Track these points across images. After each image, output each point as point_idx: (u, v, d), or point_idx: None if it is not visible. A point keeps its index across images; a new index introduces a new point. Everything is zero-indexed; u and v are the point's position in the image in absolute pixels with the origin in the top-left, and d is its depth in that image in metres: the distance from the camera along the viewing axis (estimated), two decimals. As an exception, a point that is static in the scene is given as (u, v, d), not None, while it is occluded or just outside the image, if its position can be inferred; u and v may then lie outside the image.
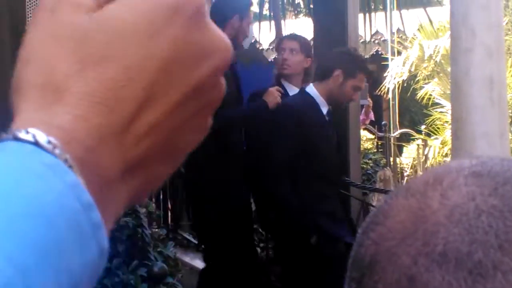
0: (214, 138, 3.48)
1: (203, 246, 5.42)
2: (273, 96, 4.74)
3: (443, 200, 0.67)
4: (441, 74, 12.79)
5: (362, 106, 8.97)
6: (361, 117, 9.48)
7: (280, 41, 5.82)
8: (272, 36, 10.74)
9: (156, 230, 4.08)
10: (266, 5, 14.20)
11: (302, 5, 16.32)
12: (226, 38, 0.52)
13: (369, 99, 9.94)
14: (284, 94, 5.00)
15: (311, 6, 7.96)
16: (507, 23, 14.15)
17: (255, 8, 18.01)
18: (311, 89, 4.80)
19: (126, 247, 3.57)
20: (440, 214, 0.66)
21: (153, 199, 6.56)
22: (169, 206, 6.52)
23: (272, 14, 9.00)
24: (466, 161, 0.73)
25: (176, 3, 0.49)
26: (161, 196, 6.48)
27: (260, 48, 16.18)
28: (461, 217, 0.65)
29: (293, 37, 5.63)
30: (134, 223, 3.61)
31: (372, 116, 10.00)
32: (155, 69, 0.48)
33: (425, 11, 8.36)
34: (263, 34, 12.68)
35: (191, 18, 0.49)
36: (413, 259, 0.65)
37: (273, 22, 9.16)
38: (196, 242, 6.22)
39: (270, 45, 15.98)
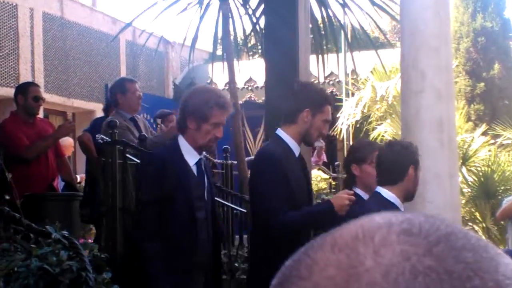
0: None
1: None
2: (341, 200, 4.52)
3: (376, 257, 0.63)
4: (393, 115, 12.92)
5: (315, 148, 9.00)
6: (313, 159, 9.51)
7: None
8: (227, 77, 10.78)
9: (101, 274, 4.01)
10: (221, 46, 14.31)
11: (258, 46, 16.43)
12: None
13: (321, 140, 9.97)
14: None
15: (263, 46, 8.00)
16: (457, 66, 14.38)
17: (209, 48, 18.10)
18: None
19: (69, 292, 3.51)
20: (374, 273, 0.62)
21: (102, 242, 6.47)
22: (118, 247, 6.43)
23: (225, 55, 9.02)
24: (392, 216, 0.69)
25: None
26: (111, 239, 6.39)
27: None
28: (397, 277, 0.61)
29: None
30: (78, 266, 3.54)
31: (324, 157, 10.04)
32: None
33: (377, 53, 8.45)
34: (217, 75, 12.71)
35: None
36: None
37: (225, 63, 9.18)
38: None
39: (225, 85, 16.06)
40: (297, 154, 4.74)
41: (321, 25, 8.76)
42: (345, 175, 5.90)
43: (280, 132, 4.78)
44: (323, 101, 4.84)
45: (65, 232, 3.88)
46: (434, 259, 0.62)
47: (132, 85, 7.18)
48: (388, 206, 4.49)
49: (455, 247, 0.64)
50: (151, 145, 6.60)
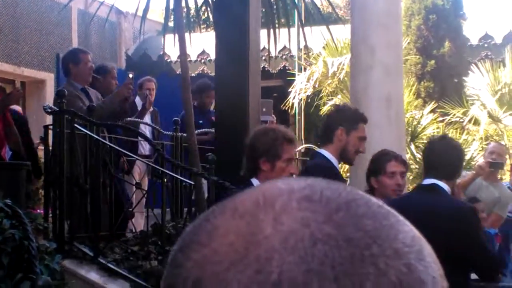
0: None
1: (99, 259, 5.33)
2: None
3: (276, 224, 0.63)
4: (344, 91, 12.98)
5: (266, 122, 9.01)
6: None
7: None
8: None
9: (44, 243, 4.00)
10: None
11: (211, 19, 16.33)
12: None
13: (273, 115, 9.97)
14: None
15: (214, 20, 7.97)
16: (408, 43, 14.48)
17: (162, 20, 17.94)
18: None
19: (11, 260, 3.49)
20: (273, 240, 0.62)
21: (50, 211, 6.44)
22: (65, 217, 6.41)
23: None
24: (295, 182, 0.69)
25: None
26: (58, 208, 6.36)
27: (168, 60, 16.15)
28: (296, 244, 0.61)
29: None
30: (21, 235, 3.53)
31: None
32: None
33: (328, 29, 8.47)
34: (171, 47, 12.61)
35: None
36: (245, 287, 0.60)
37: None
38: (92, 254, 6.13)
39: (178, 57, 15.96)
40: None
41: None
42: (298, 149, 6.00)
43: (322, 151, 5.10)
44: (357, 119, 5.10)
45: (8, 201, 3.85)
46: (334, 227, 0.62)
47: (85, 56, 7.17)
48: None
49: (355, 215, 0.64)
50: (99, 110, 6.59)
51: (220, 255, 0.62)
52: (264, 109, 8.43)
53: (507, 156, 9.19)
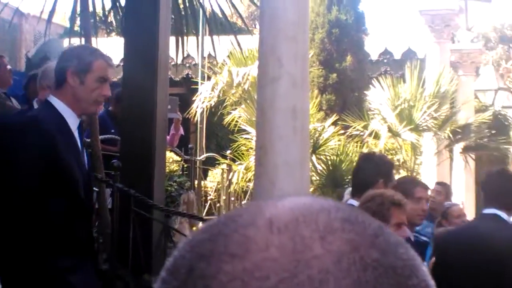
0: None
1: None
2: None
3: (324, 244, 0.62)
4: (248, 101, 13.03)
5: (171, 119, 8.95)
6: (171, 132, 9.43)
7: None
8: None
9: None
10: (78, 22, 13.98)
11: (114, 24, 16.17)
12: None
13: (178, 113, 9.78)
14: None
15: (123, 25, 7.90)
16: (312, 56, 14.68)
17: (67, 24, 17.69)
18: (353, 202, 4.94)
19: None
20: (326, 260, 0.61)
21: None
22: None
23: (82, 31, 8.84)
24: (316, 199, 0.69)
25: None
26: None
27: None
28: (349, 267, 0.61)
29: None
30: None
31: (182, 130, 9.85)
32: None
33: (236, 38, 8.51)
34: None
35: None
36: None
37: (83, 39, 9.00)
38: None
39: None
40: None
41: (182, 6, 8.72)
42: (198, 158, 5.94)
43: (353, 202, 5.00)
44: (392, 168, 5.30)
45: None
46: (379, 252, 0.63)
47: (2, 60, 7.16)
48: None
49: (390, 242, 0.66)
50: None
51: (265, 270, 0.60)
52: (169, 107, 8.28)
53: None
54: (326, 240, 0.62)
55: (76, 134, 3.86)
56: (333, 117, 13.24)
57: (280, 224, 0.64)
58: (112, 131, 8.42)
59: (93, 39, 9.33)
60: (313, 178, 11.51)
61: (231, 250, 0.63)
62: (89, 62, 3.85)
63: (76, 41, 9.87)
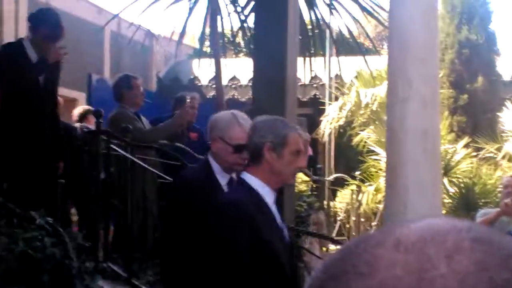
0: None
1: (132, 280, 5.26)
2: None
3: (450, 263, 0.61)
4: (376, 122, 12.93)
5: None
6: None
7: None
8: (211, 73, 10.71)
9: (84, 263, 3.96)
10: (207, 43, 14.25)
11: (242, 45, 16.40)
12: None
13: (307, 133, 9.75)
14: None
15: (251, 46, 7.97)
16: (442, 76, 14.42)
17: (195, 45, 18.05)
18: None
19: (51, 278, 3.44)
20: (450, 279, 0.60)
21: (84, 230, 6.43)
22: (100, 237, 6.41)
23: (212, 52, 9.01)
24: (452, 220, 0.68)
25: None
26: (92, 227, 6.38)
27: (199, 84, 16.22)
28: (475, 287, 0.60)
29: None
30: (62, 254, 3.49)
31: (310, 151, 9.83)
32: None
33: (364, 58, 8.44)
34: (202, 71, 12.69)
35: None
36: None
37: (212, 60, 9.15)
38: (126, 275, 6.10)
39: (209, 82, 16.02)
40: None
41: (309, 27, 8.74)
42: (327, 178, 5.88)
43: None
44: None
45: (49, 219, 3.83)
46: (510, 273, 0.61)
47: (137, 82, 7.42)
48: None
49: None
50: (157, 133, 6.71)
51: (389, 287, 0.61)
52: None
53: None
54: (452, 259, 0.62)
55: (273, 208, 3.87)
56: (465, 139, 12.96)
57: (407, 244, 0.64)
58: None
59: (222, 60, 9.50)
60: (445, 200, 11.28)
61: (359, 269, 0.64)
62: (285, 135, 3.87)
63: (205, 62, 10.05)
